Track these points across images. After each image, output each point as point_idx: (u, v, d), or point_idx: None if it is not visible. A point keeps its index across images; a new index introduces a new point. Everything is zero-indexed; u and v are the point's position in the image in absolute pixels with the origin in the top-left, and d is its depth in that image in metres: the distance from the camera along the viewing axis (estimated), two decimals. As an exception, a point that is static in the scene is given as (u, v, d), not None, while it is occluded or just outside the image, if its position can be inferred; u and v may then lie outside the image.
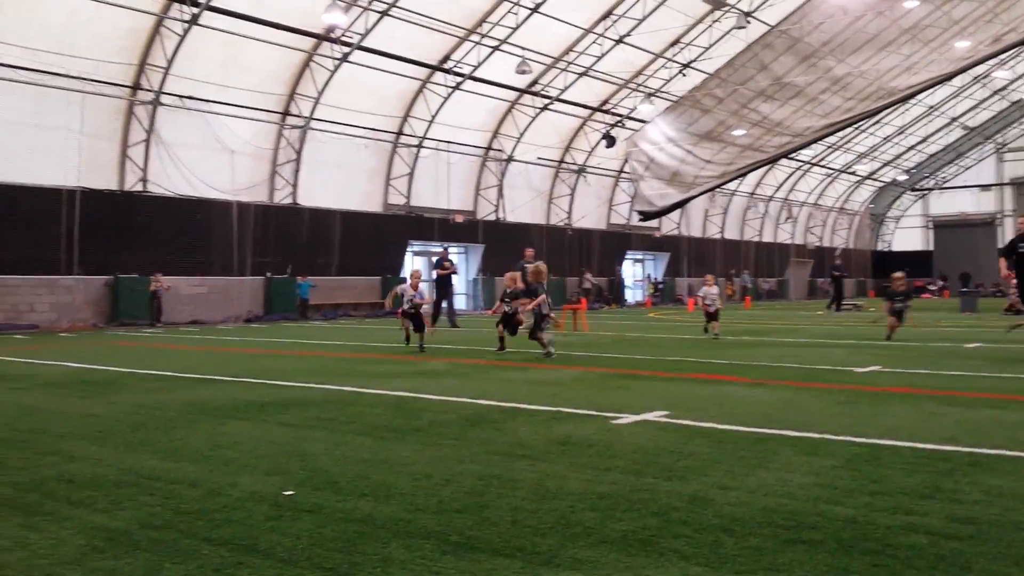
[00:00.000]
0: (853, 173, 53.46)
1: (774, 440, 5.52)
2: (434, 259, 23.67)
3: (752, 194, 48.85)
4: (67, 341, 16.82)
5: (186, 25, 21.97)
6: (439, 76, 28.87)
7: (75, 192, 21.81)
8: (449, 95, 29.36)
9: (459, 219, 32.02)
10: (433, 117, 29.84)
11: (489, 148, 33.32)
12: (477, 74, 29.09)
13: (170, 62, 22.60)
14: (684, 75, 33.80)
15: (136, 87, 22.97)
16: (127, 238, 22.84)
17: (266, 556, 3.23)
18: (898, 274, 15.17)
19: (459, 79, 28.98)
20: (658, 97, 34.54)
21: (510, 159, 33.93)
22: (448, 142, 31.37)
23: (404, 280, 15.59)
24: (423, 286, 13.78)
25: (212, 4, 21.85)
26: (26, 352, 13.74)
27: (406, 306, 13.15)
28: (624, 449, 5.21)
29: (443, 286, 20.28)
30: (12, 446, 5.50)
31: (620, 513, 3.79)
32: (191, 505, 3.97)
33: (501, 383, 8.82)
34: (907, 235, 61.06)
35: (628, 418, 6.35)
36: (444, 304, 20.34)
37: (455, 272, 21.42)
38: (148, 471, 4.71)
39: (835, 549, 3.28)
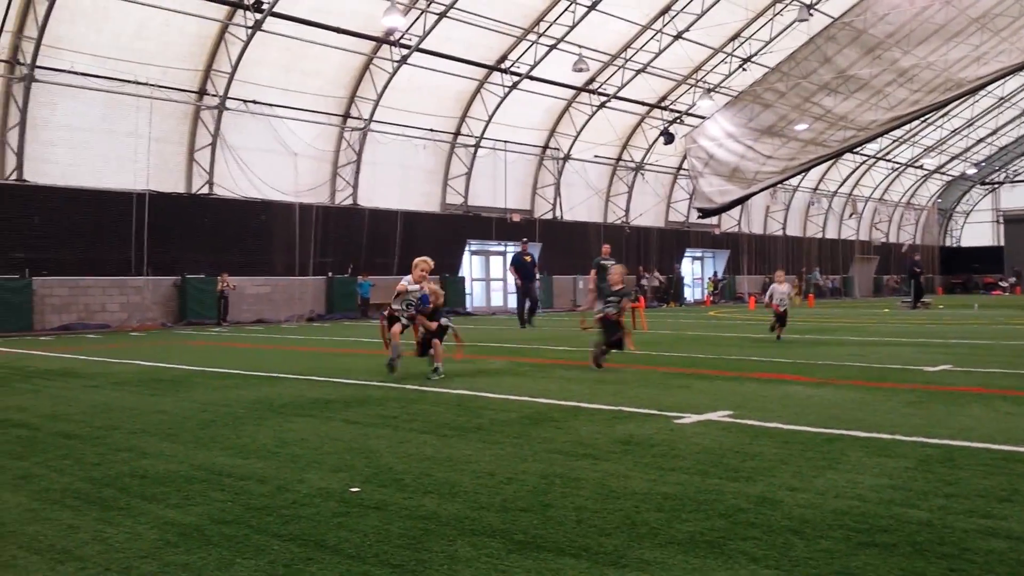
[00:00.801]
0: (920, 167, 52.03)
1: (842, 441, 5.40)
2: (514, 253, 21.44)
3: (815, 189, 47.92)
4: (137, 340, 17.32)
5: (250, 31, 22.43)
6: (496, 76, 28.96)
7: (144, 195, 22.44)
8: (506, 95, 29.42)
9: (516, 218, 32.07)
10: (490, 117, 29.95)
11: (546, 147, 33.30)
12: (534, 73, 29.10)
13: (235, 67, 23.10)
14: (744, 70, 33.32)
15: (202, 92, 23.54)
16: (194, 239, 23.42)
17: (334, 552, 3.27)
18: None
19: (516, 78, 29.03)
20: (718, 93, 34.10)
21: (567, 157, 33.86)
22: (505, 141, 31.44)
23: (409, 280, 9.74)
24: (428, 285, 9.06)
25: (275, 10, 22.27)
26: (98, 351, 14.18)
27: (398, 307, 8.97)
28: (688, 449, 5.15)
29: (528, 283, 19.51)
30: (88, 442, 5.68)
31: (686, 514, 3.75)
32: (260, 501, 4.04)
33: (561, 382, 8.80)
34: (976, 230, 59.23)
35: (691, 418, 6.28)
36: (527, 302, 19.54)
37: (535, 265, 19.99)
38: (218, 467, 4.81)
39: (910, 553, 3.19)
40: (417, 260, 9.00)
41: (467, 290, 30.85)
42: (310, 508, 3.90)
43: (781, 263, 42.82)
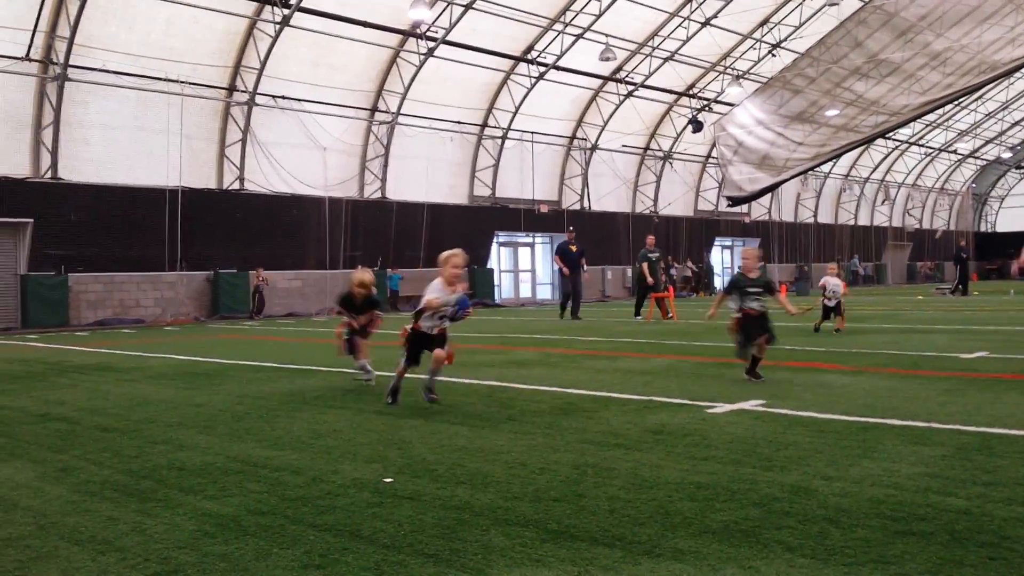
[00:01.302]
0: (954, 151, 51.18)
1: (878, 429, 5.34)
2: (562, 242, 20.21)
3: (847, 176, 47.33)
4: (171, 335, 17.55)
5: (278, 26, 22.57)
6: (523, 67, 28.91)
7: (177, 191, 22.70)
8: (533, 85, 29.36)
9: (544, 209, 32.03)
10: (517, 108, 29.91)
11: (573, 137, 33.20)
12: (560, 63, 29.00)
13: (263, 63, 23.27)
14: (774, 55, 32.97)
15: (232, 88, 23.75)
16: (226, 234, 23.67)
17: (369, 542, 3.30)
18: None
19: (543, 69, 28.95)
20: (746, 79, 33.77)
21: (595, 147, 33.74)
22: (532, 132, 31.39)
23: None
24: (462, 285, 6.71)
25: (303, 5, 22.38)
26: (134, 345, 14.40)
27: (428, 323, 6.55)
28: (721, 439, 5.12)
29: (572, 273, 18.87)
30: (125, 435, 5.77)
31: (720, 503, 3.73)
32: (296, 492, 4.08)
33: (591, 372, 8.79)
34: (1013, 215, 58.15)
35: (723, 407, 6.25)
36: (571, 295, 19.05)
37: (582, 256, 19.19)
38: (253, 459, 4.87)
39: (948, 541, 3.15)
40: (448, 254, 6.48)
41: (496, 282, 30.89)
42: (344, 499, 3.94)
43: (816, 252, 42.40)
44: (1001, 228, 58.65)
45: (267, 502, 3.91)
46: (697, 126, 33.54)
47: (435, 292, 6.46)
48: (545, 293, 33.22)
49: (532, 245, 33.12)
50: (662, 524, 3.45)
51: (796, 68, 33.03)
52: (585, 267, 19.20)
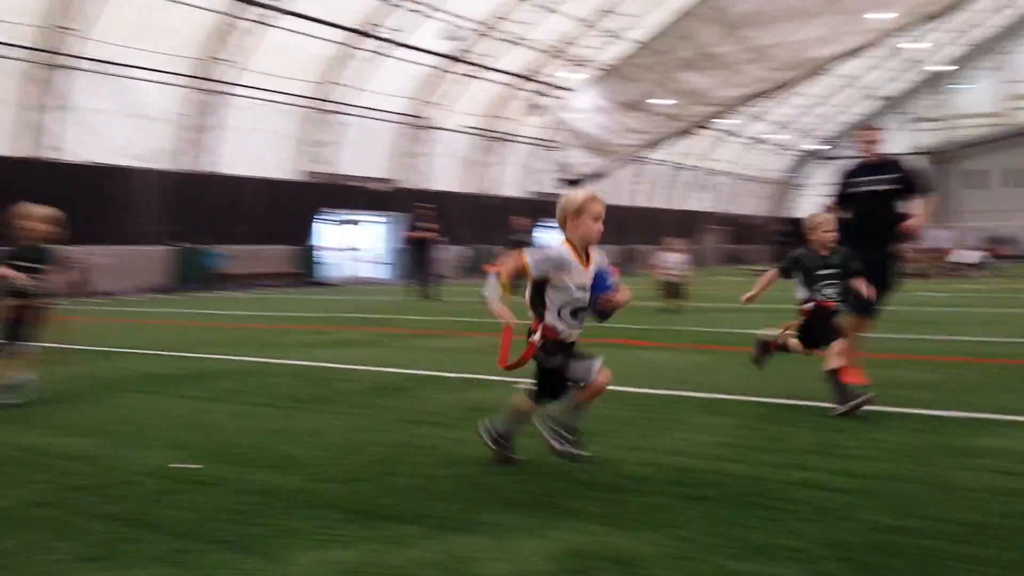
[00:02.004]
0: (767, 142, 54.57)
1: (684, 402, 5.64)
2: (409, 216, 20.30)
3: (674, 163, 49.48)
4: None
5: (93, -16, 20.99)
6: (365, 42, 28.29)
7: (-26, 159, 20.74)
8: (373, 60, 28.83)
9: (381, 187, 31.61)
10: (357, 83, 29.28)
11: (413, 115, 32.90)
12: (403, 40, 28.60)
13: (83, 25, 21.58)
14: (614, 44, 33.91)
15: (46, 51, 21.88)
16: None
17: (162, 531, 3.14)
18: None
19: (385, 44, 28.46)
20: (588, 67, 34.56)
21: (435, 127, 33.60)
22: (372, 109, 30.83)
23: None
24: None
25: (120, -38, 20.93)
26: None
27: (560, 326, 3.92)
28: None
29: (419, 251, 18.57)
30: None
31: (528, 476, 3.81)
32: (86, 481, 3.82)
33: (417, 351, 8.76)
34: (815, 203, 62.69)
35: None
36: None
37: (436, 231, 18.69)
38: (43, 447, 4.53)
39: (734, 505, 3.36)
40: (579, 199, 3.87)
41: (327, 260, 30.23)
42: (139, 487, 3.73)
43: (645, 235, 44.09)
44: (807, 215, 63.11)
45: (52, 493, 3.65)
46: (537, 110, 34.09)
47: (566, 264, 3.79)
48: (384, 273, 32.86)
49: (370, 223, 32.62)
50: (469, 499, 3.49)
51: (634, 58, 34.17)
52: (443, 245, 18.96)
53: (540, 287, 3.85)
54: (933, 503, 3.36)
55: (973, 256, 29.73)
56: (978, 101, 49.55)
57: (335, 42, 27.89)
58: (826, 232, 5.52)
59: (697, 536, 3.02)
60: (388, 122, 32.08)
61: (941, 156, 51.35)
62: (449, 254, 32.99)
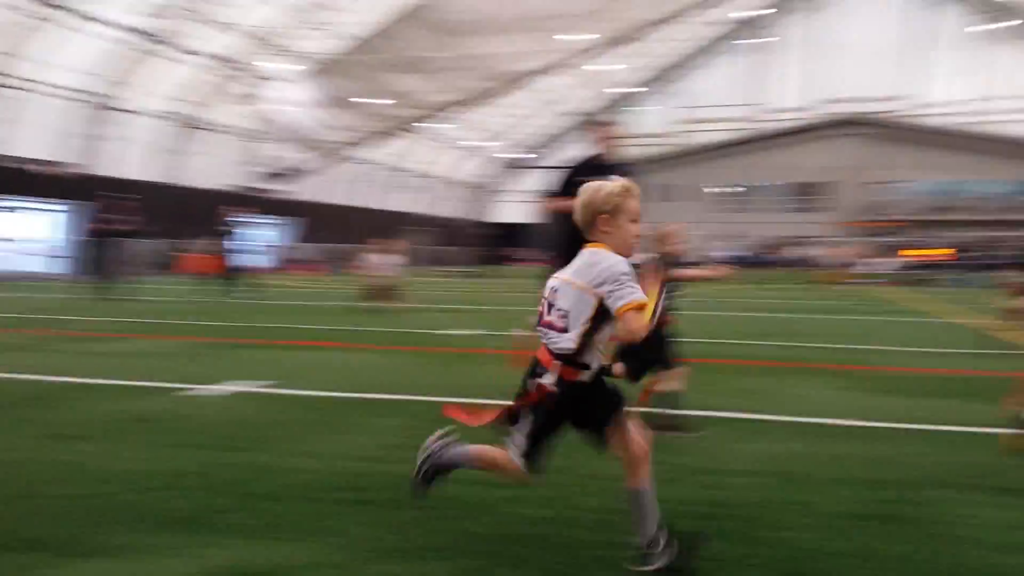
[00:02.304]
0: (467, 147, 56.64)
1: (364, 404, 5.67)
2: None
3: (376, 162, 49.61)
4: None
5: None
6: (45, 10, 25.23)
7: None
8: (49, 30, 25.85)
9: (51, 171, 28.32)
10: (27, 52, 26.08)
11: (99, 94, 29.98)
12: (89, 9, 25.86)
13: None
14: (327, 39, 33.34)
15: None
16: None
17: None
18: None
19: (64, 11, 25.55)
20: (298, 58, 33.64)
21: (123, 109, 30.88)
22: (42, 83, 27.57)
23: None
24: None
25: None
26: None
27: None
28: (206, 423, 4.97)
29: (103, 244, 17.36)
30: None
31: (182, 492, 3.60)
32: None
33: (79, 356, 7.92)
34: (512, 208, 65.63)
35: (224, 388, 6.09)
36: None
37: (134, 224, 17.65)
38: None
39: (391, 506, 3.43)
40: (617, 194, 2.89)
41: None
42: None
43: (356, 234, 43.69)
44: (507, 220, 66.11)
45: None
46: (247, 100, 32.66)
47: (624, 274, 2.78)
48: (59, 267, 29.55)
49: (40, 212, 29.12)
50: (113, 521, 3.23)
51: (349, 55, 33.88)
52: (135, 239, 17.68)
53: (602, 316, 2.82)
54: (572, 495, 3.65)
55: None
56: (653, 122, 55.25)
57: (7, 6, 24.70)
58: (677, 243, 5.03)
59: (356, 542, 3.04)
60: (68, 100, 28.96)
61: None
62: (143, 247, 30.53)
